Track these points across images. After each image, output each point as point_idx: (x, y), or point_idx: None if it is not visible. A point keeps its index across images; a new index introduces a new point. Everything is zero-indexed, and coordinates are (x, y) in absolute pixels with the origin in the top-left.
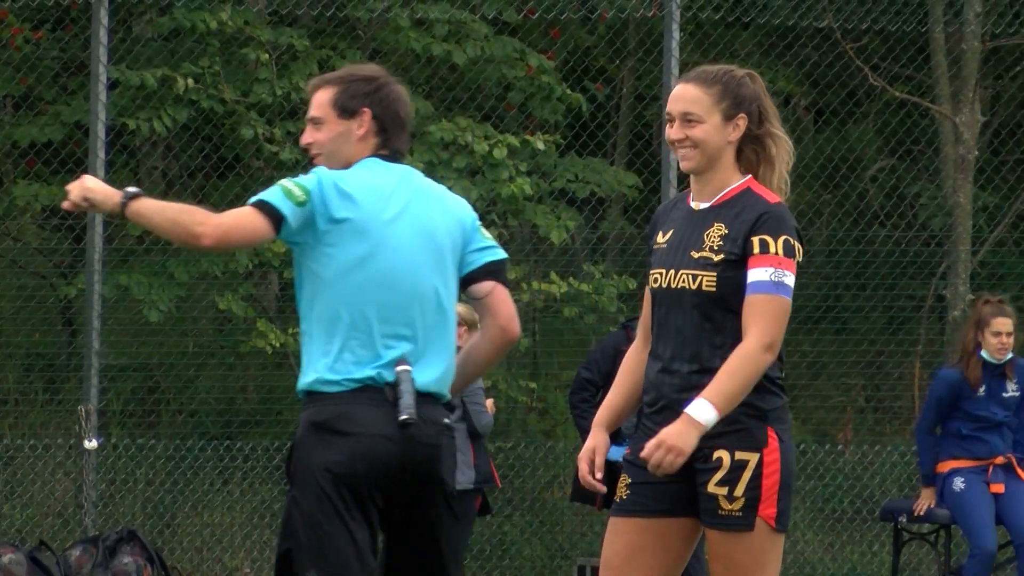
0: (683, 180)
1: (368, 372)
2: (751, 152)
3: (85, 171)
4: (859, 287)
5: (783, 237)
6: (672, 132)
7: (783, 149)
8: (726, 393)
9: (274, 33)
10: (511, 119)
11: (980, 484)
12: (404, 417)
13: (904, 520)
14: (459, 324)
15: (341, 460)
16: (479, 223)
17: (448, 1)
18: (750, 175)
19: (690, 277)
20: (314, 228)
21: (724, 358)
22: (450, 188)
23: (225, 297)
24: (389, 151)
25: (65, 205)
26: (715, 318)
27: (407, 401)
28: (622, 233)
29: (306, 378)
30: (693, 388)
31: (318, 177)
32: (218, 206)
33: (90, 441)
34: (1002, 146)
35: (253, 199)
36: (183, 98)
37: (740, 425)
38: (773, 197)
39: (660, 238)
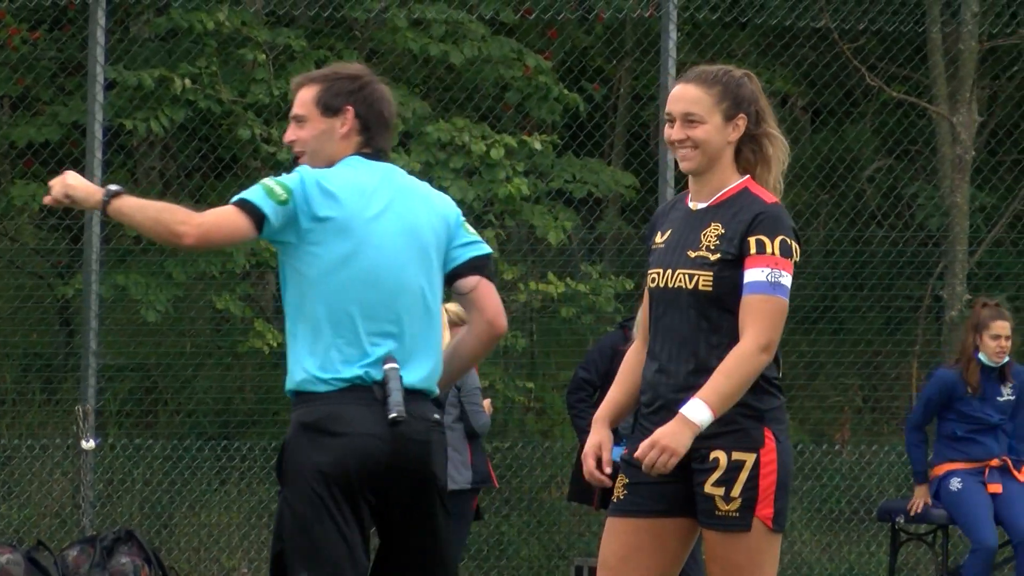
0: (681, 180)
1: (356, 371)
2: (749, 152)
3: (82, 171)
4: (856, 287)
5: (780, 237)
6: (673, 132)
7: (779, 149)
8: (722, 393)
9: (271, 33)
10: (508, 119)
11: (977, 483)
12: (393, 415)
13: (901, 520)
14: (457, 324)
15: (332, 460)
16: (463, 219)
17: (445, 1)
18: (748, 175)
19: (687, 277)
20: (297, 227)
21: (721, 358)
22: (447, 188)
23: (222, 297)
24: (372, 149)
25: (47, 200)
26: (712, 318)
27: (396, 399)
28: (619, 233)
29: (294, 378)
30: (690, 388)
31: (301, 176)
32: (215, 207)
33: (87, 441)
34: (999, 146)
35: (235, 198)
36: (180, 98)
37: (737, 425)
38: (770, 197)
39: (658, 238)
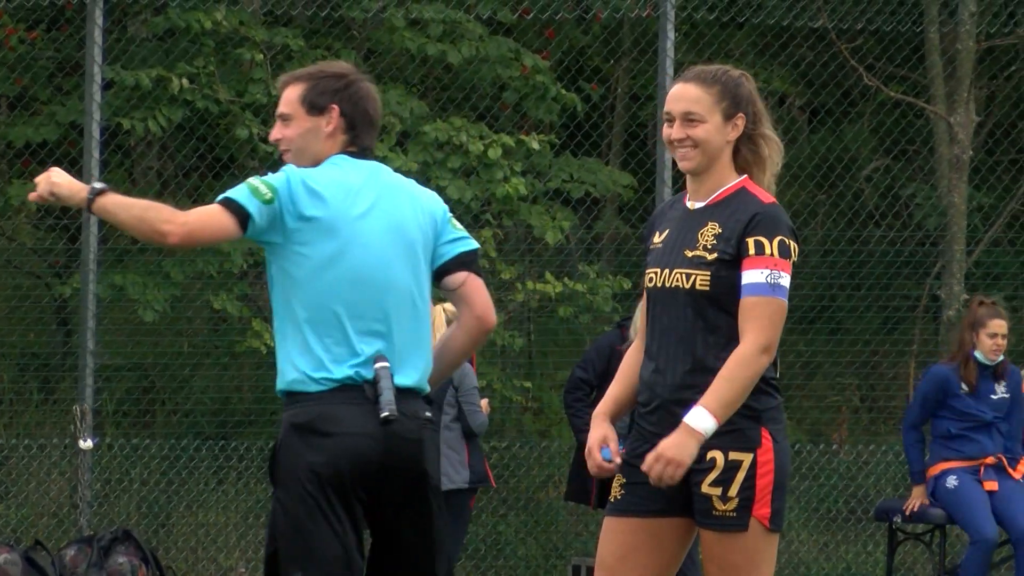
0: (678, 180)
1: (346, 371)
2: (747, 152)
3: (80, 171)
4: (854, 287)
5: (778, 238)
6: (673, 132)
7: (774, 151)
8: (724, 400)
9: (269, 33)
10: (506, 119)
11: (973, 480)
12: (385, 414)
13: (899, 520)
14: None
15: (325, 461)
16: (450, 215)
17: (443, 1)
18: (745, 175)
19: (684, 276)
20: (283, 226)
21: (718, 357)
22: (445, 188)
23: (220, 297)
24: (358, 148)
25: (32, 197)
26: (709, 317)
27: (387, 398)
28: (617, 233)
29: (285, 378)
30: (687, 388)
31: (287, 175)
32: None
33: (85, 441)
34: (996, 146)
35: (220, 197)
36: (178, 98)
37: (734, 426)
38: (768, 197)
39: (656, 238)
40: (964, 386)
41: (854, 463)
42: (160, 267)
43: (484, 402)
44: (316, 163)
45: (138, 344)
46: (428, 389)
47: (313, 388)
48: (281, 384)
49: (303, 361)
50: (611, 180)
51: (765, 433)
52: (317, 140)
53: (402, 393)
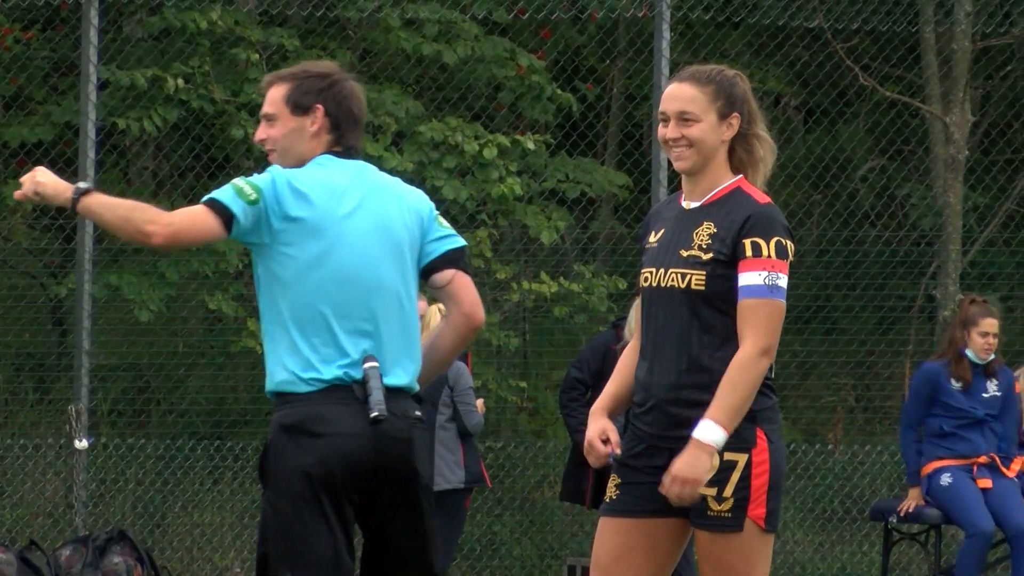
0: (673, 180)
1: (335, 371)
2: (743, 152)
3: (76, 171)
4: (849, 287)
5: (775, 239)
6: (668, 131)
7: (767, 151)
8: (729, 408)
9: (264, 33)
10: (501, 119)
11: (967, 478)
12: (375, 414)
13: (894, 520)
14: None
15: (315, 462)
16: (436, 212)
17: (438, 1)
18: (741, 175)
19: (679, 276)
20: (269, 227)
21: (713, 357)
22: (440, 188)
23: (215, 297)
24: (343, 147)
25: (17, 195)
26: (704, 317)
27: (376, 398)
28: (612, 233)
29: (274, 379)
30: (682, 387)
31: (272, 176)
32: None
33: (80, 441)
34: (992, 146)
35: (205, 197)
36: (173, 98)
37: None
38: (763, 197)
39: (652, 237)
40: (956, 382)
41: (849, 463)
42: (155, 267)
43: (479, 402)
44: (301, 163)
45: (133, 344)
46: (417, 388)
47: (302, 389)
48: (270, 385)
49: (292, 361)
50: (606, 180)
51: (760, 433)
52: (302, 140)
53: (391, 393)
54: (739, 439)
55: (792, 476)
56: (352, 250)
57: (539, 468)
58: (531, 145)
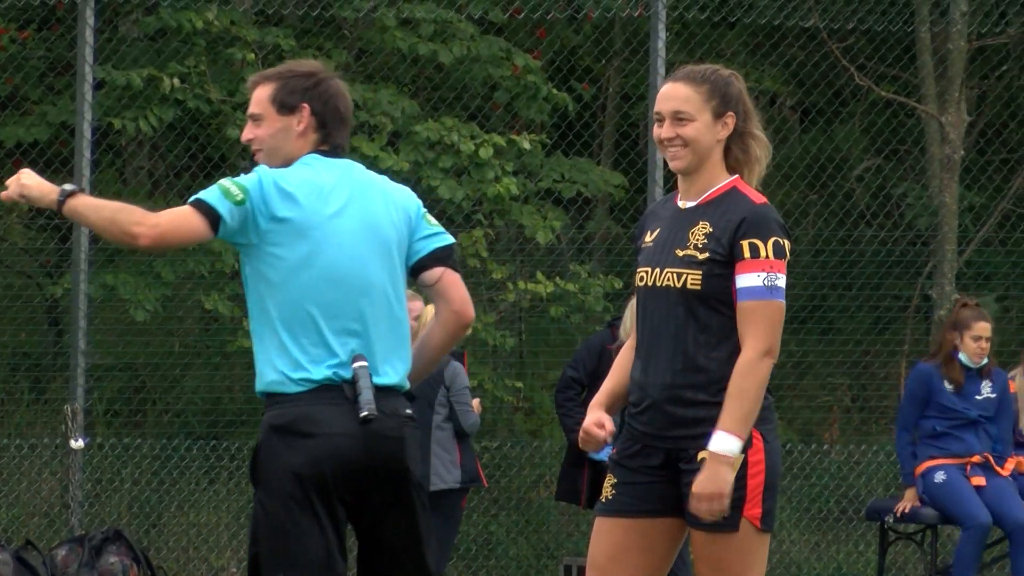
0: (669, 180)
1: (325, 371)
2: (738, 151)
3: (71, 171)
4: (845, 287)
5: (773, 239)
6: (662, 131)
7: (762, 150)
8: (739, 416)
9: (260, 33)
10: (497, 119)
11: (961, 475)
12: (365, 413)
13: (890, 520)
14: None
15: (306, 462)
16: (424, 210)
17: (434, 1)
18: (736, 175)
19: (675, 275)
20: (256, 227)
21: (709, 357)
22: (436, 188)
23: (211, 297)
24: (330, 146)
25: (2, 196)
26: (700, 316)
27: (366, 397)
28: (608, 233)
29: (264, 379)
30: (678, 387)
31: (258, 176)
32: None
33: (76, 441)
34: (988, 146)
35: (192, 198)
36: (169, 98)
37: None
38: (759, 197)
39: (647, 237)
40: (949, 384)
41: (845, 463)
42: (151, 267)
43: (475, 402)
44: (288, 163)
45: (129, 344)
46: (408, 386)
47: (292, 389)
48: (260, 385)
49: (281, 362)
50: (602, 180)
51: (756, 433)
52: (288, 139)
53: (381, 391)
54: None
55: (788, 476)
56: (340, 250)
57: (535, 468)
58: (527, 145)
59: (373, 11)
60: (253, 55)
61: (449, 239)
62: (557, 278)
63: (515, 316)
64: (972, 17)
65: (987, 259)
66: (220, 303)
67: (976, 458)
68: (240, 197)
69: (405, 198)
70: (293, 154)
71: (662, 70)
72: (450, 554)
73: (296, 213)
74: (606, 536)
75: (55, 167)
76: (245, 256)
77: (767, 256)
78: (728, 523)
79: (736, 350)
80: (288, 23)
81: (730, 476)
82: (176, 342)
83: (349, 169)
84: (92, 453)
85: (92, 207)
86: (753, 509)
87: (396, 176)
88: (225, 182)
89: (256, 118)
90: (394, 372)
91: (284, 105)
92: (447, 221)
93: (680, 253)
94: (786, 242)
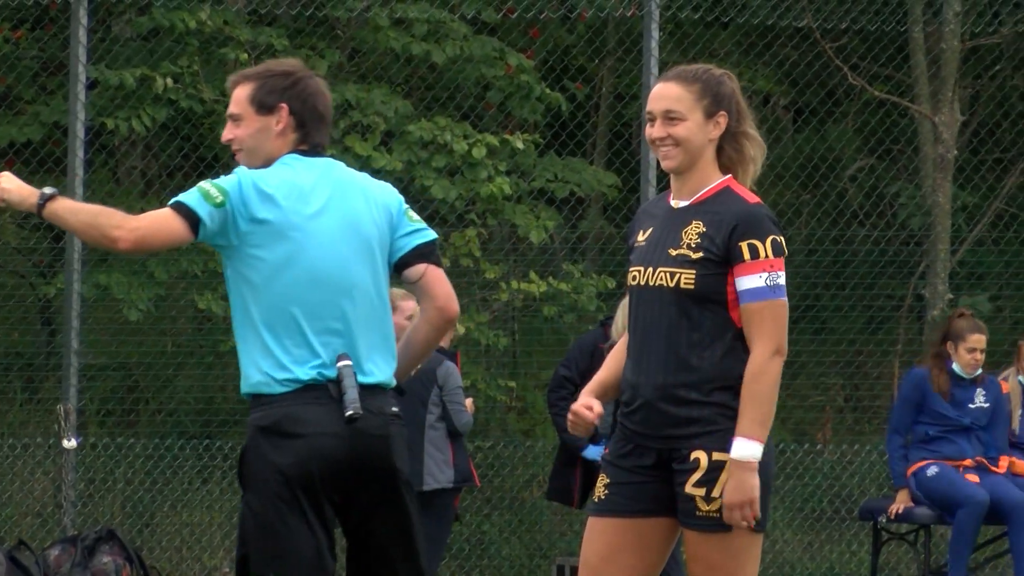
0: (662, 180)
1: (309, 371)
2: (732, 151)
3: (64, 171)
4: (838, 286)
5: (770, 237)
6: (654, 131)
7: (756, 149)
8: (757, 420)
9: (253, 33)
10: (490, 118)
11: (954, 470)
12: (350, 412)
13: (883, 520)
14: None
15: (293, 462)
16: (406, 206)
17: (427, 1)
18: (729, 175)
19: (668, 275)
20: (236, 229)
21: (701, 356)
22: (429, 187)
23: (204, 296)
24: (309, 146)
25: None
26: (693, 316)
27: (351, 396)
28: (601, 232)
29: (249, 381)
30: (671, 386)
31: (238, 178)
32: None
33: (69, 440)
34: (981, 145)
35: (172, 200)
36: (162, 98)
37: (717, 426)
38: (752, 197)
39: (640, 236)
40: (939, 394)
41: (838, 463)
42: (144, 267)
43: (469, 401)
44: (269, 163)
45: (122, 343)
46: (394, 383)
47: (277, 390)
48: (246, 387)
49: (265, 363)
50: (595, 179)
51: (735, 434)
52: (268, 139)
53: (367, 390)
54: (727, 439)
55: (781, 476)
56: (321, 250)
57: (528, 467)
58: (520, 144)
59: (366, 11)
60: (246, 55)
61: (431, 235)
62: (550, 278)
63: (508, 316)
64: (965, 17)
65: (980, 259)
66: (213, 303)
67: (968, 462)
68: (220, 199)
69: (386, 195)
70: (273, 154)
71: (655, 70)
72: (443, 554)
73: (276, 214)
74: (599, 536)
75: (48, 167)
76: (226, 258)
77: (767, 256)
78: (721, 523)
79: (729, 349)
80: (281, 23)
81: (756, 481)
82: (169, 342)
83: (329, 168)
84: (85, 453)
85: (72, 210)
86: None
87: (389, 176)
88: (205, 184)
89: (236, 118)
90: (379, 370)
91: (263, 105)
92: (440, 221)
93: (673, 252)
94: (782, 239)
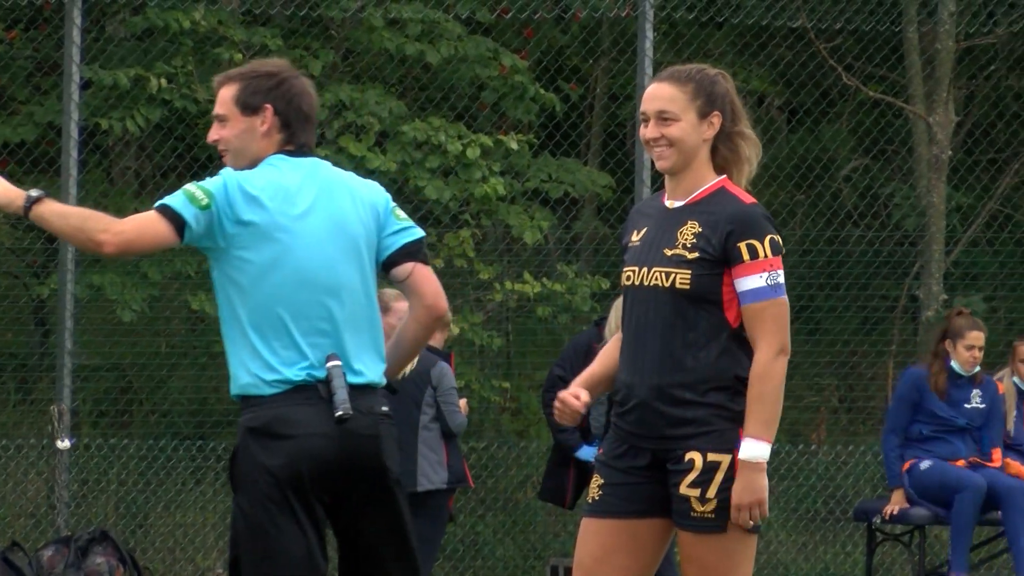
0: (657, 180)
1: (298, 372)
2: (726, 151)
3: (58, 171)
4: (832, 287)
5: (768, 236)
6: (648, 131)
7: (752, 149)
8: (763, 420)
9: (247, 33)
10: (484, 119)
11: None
12: (339, 413)
13: (878, 520)
14: None
15: (283, 463)
16: (393, 205)
17: (421, 1)
18: (724, 175)
19: (663, 275)
20: (222, 231)
21: (696, 356)
22: (423, 188)
23: (198, 297)
24: (295, 146)
25: None
26: (688, 316)
27: (341, 396)
28: (595, 233)
29: (238, 382)
30: (665, 387)
31: (224, 180)
32: None
33: (62, 441)
34: (975, 146)
35: (158, 203)
36: (156, 98)
37: (712, 427)
38: (748, 197)
39: (634, 236)
40: (936, 393)
41: (833, 463)
42: (138, 267)
43: (463, 402)
44: (255, 163)
45: (116, 344)
46: (384, 383)
47: (267, 391)
48: (235, 389)
49: (254, 365)
50: (590, 180)
51: (742, 434)
52: (253, 140)
53: (356, 390)
54: (722, 440)
55: (775, 477)
56: (308, 251)
57: (522, 468)
58: (514, 145)
59: (360, 11)
60: (240, 55)
61: (419, 233)
62: (544, 278)
63: (502, 316)
64: (960, 17)
65: (974, 259)
66: (207, 303)
67: (962, 462)
68: (205, 202)
69: (373, 194)
70: (259, 155)
71: (649, 70)
72: (436, 555)
73: (262, 216)
74: (593, 537)
75: (42, 167)
76: (213, 260)
77: (766, 255)
78: (716, 524)
79: (724, 350)
80: (275, 23)
81: (765, 482)
82: (163, 342)
83: (315, 168)
84: (78, 453)
85: (58, 213)
86: None
87: (383, 176)
88: (190, 187)
89: (221, 119)
90: (368, 370)
91: (247, 106)
92: (434, 221)
93: (668, 252)
94: (779, 237)
